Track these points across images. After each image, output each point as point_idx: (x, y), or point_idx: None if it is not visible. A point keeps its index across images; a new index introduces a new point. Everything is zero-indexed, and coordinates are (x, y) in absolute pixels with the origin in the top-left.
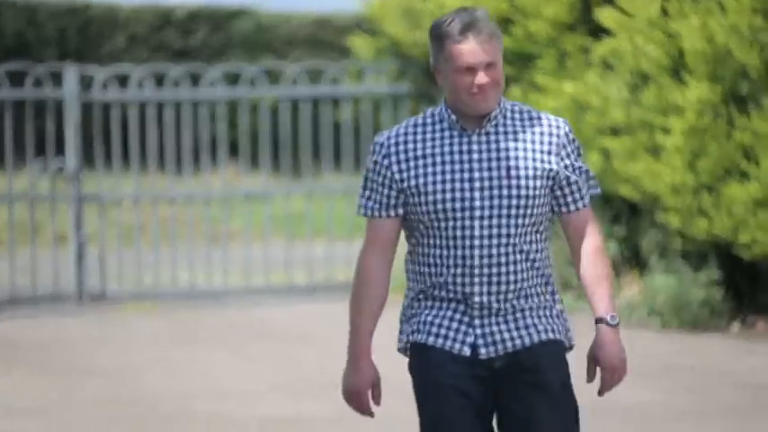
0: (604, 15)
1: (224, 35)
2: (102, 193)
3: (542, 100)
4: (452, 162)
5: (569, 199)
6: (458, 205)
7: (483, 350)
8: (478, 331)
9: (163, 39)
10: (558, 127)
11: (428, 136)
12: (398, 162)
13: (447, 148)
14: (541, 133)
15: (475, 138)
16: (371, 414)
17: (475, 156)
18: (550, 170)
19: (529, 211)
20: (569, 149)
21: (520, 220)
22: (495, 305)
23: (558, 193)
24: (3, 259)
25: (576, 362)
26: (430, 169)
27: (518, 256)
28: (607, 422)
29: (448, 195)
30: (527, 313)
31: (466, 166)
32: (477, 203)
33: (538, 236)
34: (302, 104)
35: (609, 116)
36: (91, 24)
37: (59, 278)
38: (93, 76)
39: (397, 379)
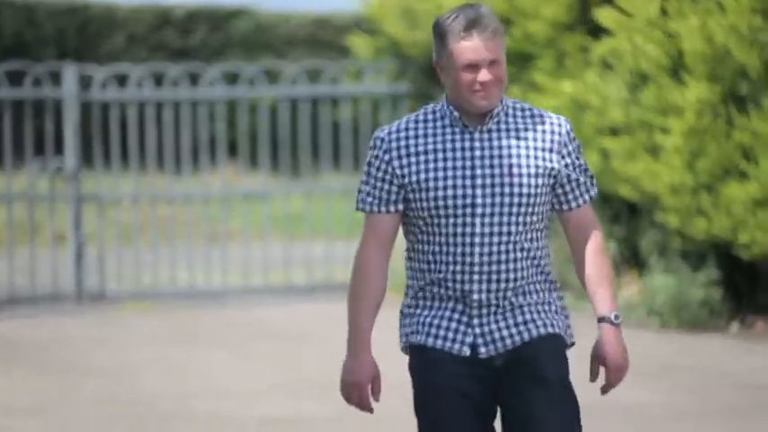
0: (603, 15)
1: (223, 35)
2: (101, 193)
3: (541, 100)
4: (454, 159)
5: (570, 196)
6: (459, 202)
7: (483, 349)
8: (477, 330)
9: (162, 38)
10: (559, 125)
11: (429, 132)
12: (400, 157)
13: (449, 145)
14: (543, 131)
15: (477, 135)
16: (371, 409)
17: (477, 153)
18: (552, 168)
19: (530, 209)
20: (570, 148)
21: (521, 218)
22: (493, 302)
23: (560, 191)
24: (2, 259)
25: (577, 360)
26: (432, 165)
27: (518, 254)
28: (606, 422)
29: (449, 192)
30: (526, 309)
31: (468, 163)
32: (479, 201)
33: (538, 234)
34: (301, 104)
35: (608, 116)
36: (90, 24)
37: (58, 278)
38: (92, 75)
39: (398, 379)
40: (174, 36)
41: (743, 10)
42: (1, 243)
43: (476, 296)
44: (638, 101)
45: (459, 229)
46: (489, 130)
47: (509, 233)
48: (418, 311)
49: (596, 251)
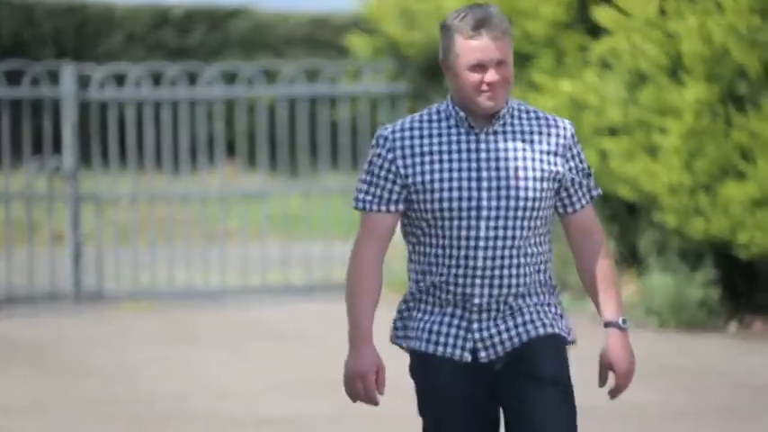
0: (602, 15)
1: (221, 34)
2: (100, 193)
3: (540, 99)
4: (460, 160)
5: (574, 199)
6: (464, 204)
7: (483, 354)
8: (477, 335)
9: (160, 38)
10: (564, 128)
11: (434, 132)
12: (404, 157)
13: (455, 146)
14: (548, 134)
15: (483, 137)
16: (377, 402)
17: (483, 155)
18: (557, 172)
19: (535, 213)
20: (575, 151)
21: (525, 222)
22: (493, 307)
23: (564, 194)
24: (0, 258)
25: (576, 362)
26: (437, 166)
27: (521, 260)
28: (605, 422)
29: (455, 194)
30: (525, 310)
31: (474, 165)
32: (485, 203)
33: (541, 238)
34: (300, 104)
35: (606, 116)
36: (88, 23)
37: (56, 277)
38: (90, 75)
39: (398, 379)
40: (173, 35)
41: (742, 10)
42: None
43: (477, 300)
44: (637, 101)
45: (464, 233)
46: (495, 132)
47: (513, 237)
48: (419, 315)
49: (600, 255)
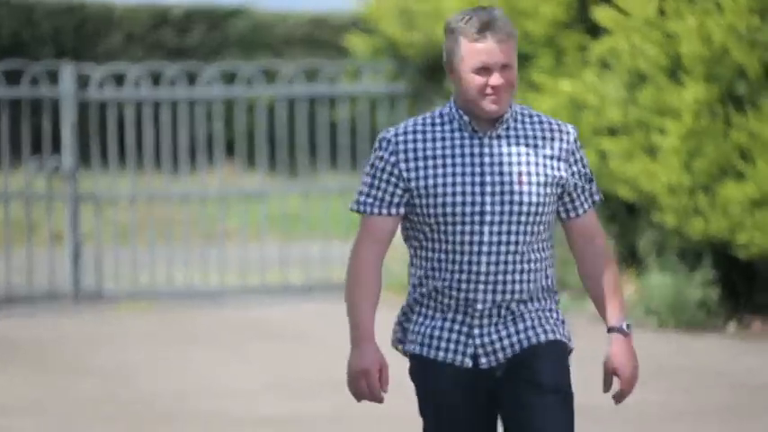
0: (601, 14)
1: (220, 34)
2: (99, 192)
3: (540, 99)
4: (463, 165)
5: (577, 204)
6: (468, 209)
7: (484, 359)
8: (478, 341)
9: (159, 38)
10: (567, 133)
11: (438, 136)
12: (407, 160)
13: (458, 150)
14: (552, 139)
15: (486, 141)
16: (381, 399)
17: (486, 159)
18: (560, 177)
19: (538, 219)
20: (578, 156)
21: (529, 228)
22: (495, 312)
23: (567, 199)
24: None
25: (575, 362)
26: (440, 171)
27: (525, 265)
28: (604, 423)
29: (458, 199)
30: (527, 316)
31: (477, 169)
32: (488, 208)
33: (543, 244)
34: (299, 104)
35: (606, 116)
36: (87, 23)
37: (56, 277)
38: (89, 74)
39: (398, 379)
40: (172, 35)
41: (741, 10)
42: None
43: (480, 306)
44: (636, 101)
45: (467, 237)
46: (498, 136)
47: (517, 242)
48: (420, 320)
49: (603, 260)
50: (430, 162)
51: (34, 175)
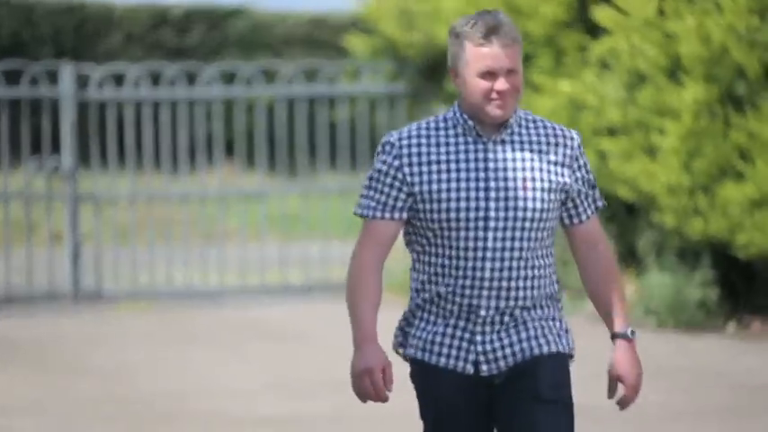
0: (601, 14)
1: (220, 34)
2: (98, 192)
3: (539, 100)
4: (467, 170)
5: (580, 210)
6: (472, 215)
7: (485, 367)
8: (480, 348)
9: (159, 38)
10: (571, 139)
11: (442, 141)
12: (410, 165)
13: (462, 155)
14: (556, 144)
15: (491, 146)
16: (386, 398)
17: (491, 165)
18: (564, 183)
19: (542, 224)
20: (581, 162)
21: (533, 234)
22: (497, 318)
23: (570, 205)
24: None
25: (574, 362)
26: (444, 176)
27: (529, 272)
28: (604, 423)
29: (462, 204)
30: (530, 324)
31: (482, 174)
32: (492, 214)
33: (547, 250)
34: (298, 104)
35: (605, 116)
36: (87, 23)
37: (55, 277)
38: (89, 74)
39: (397, 378)
40: (171, 35)
41: (740, 10)
42: None
43: (483, 312)
44: (636, 101)
45: (471, 243)
46: (503, 142)
47: (521, 248)
48: (421, 325)
49: (606, 266)
50: (434, 167)
51: (34, 175)
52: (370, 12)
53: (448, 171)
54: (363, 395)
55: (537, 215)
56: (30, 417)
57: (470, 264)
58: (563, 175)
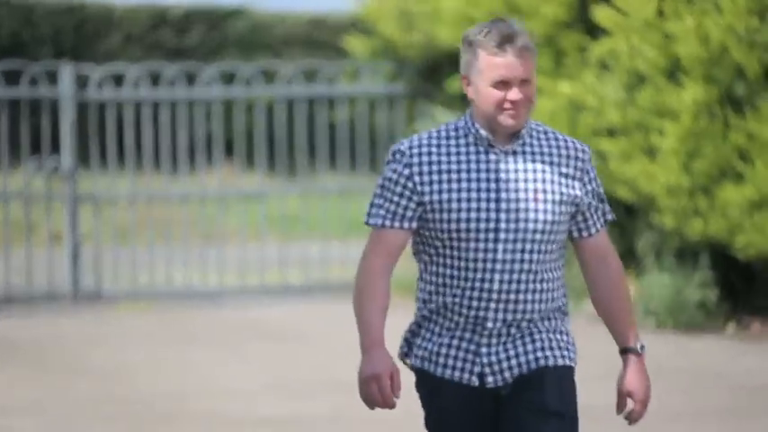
0: (601, 15)
1: (220, 35)
2: (98, 193)
3: (539, 102)
4: (478, 180)
5: (590, 223)
6: (482, 226)
7: (490, 378)
8: (485, 360)
9: (158, 38)
10: (583, 151)
11: (452, 150)
12: (421, 174)
13: (473, 165)
14: (567, 157)
15: (502, 156)
16: (393, 404)
17: (502, 175)
18: (575, 196)
19: (552, 237)
20: (591, 175)
21: (543, 246)
22: (504, 330)
23: (580, 218)
24: None
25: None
26: (455, 186)
27: (537, 285)
28: (604, 423)
29: (473, 215)
30: (537, 336)
31: (492, 185)
32: (503, 225)
33: (555, 263)
34: (298, 104)
35: (605, 117)
36: (86, 23)
37: (54, 277)
38: (88, 75)
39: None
40: (171, 36)
41: (740, 11)
42: None
43: (490, 324)
44: (635, 102)
45: (481, 255)
46: (514, 152)
47: (531, 261)
48: (427, 335)
49: (616, 281)
50: (444, 176)
51: (33, 175)
52: (369, 12)
53: (458, 181)
54: (370, 401)
55: (548, 227)
56: (30, 417)
57: (479, 275)
58: (574, 187)
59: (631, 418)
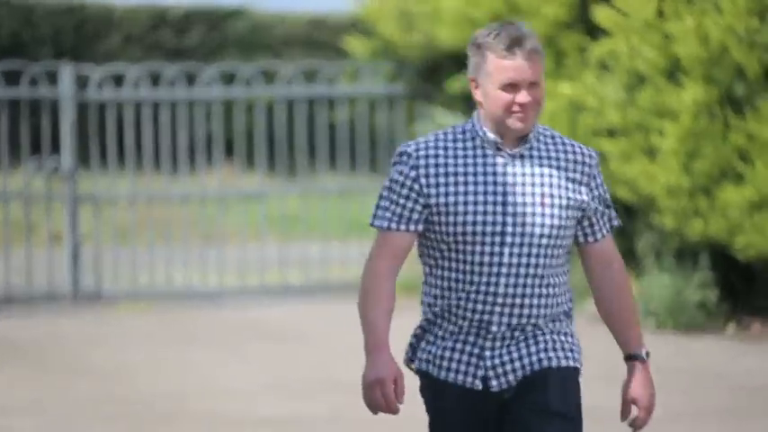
0: (601, 15)
1: (219, 35)
2: (98, 193)
3: None
4: (485, 183)
5: (596, 228)
6: (489, 229)
7: (494, 382)
8: (489, 363)
9: (158, 38)
10: (590, 156)
11: (459, 153)
12: (427, 176)
13: (480, 169)
14: (575, 161)
15: (509, 160)
16: (397, 409)
17: (509, 179)
18: (582, 201)
19: (558, 242)
20: (599, 180)
21: (549, 251)
22: (508, 334)
23: (586, 223)
24: None
25: None
26: (461, 188)
27: (543, 290)
28: (604, 422)
29: (479, 218)
30: (540, 338)
31: (499, 189)
32: (509, 229)
33: (561, 268)
34: (298, 104)
35: (605, 117)
36: (86, 24)
37: (54, 277)
38: (88, 75)
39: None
40: (171, 36)
41: (740, 11)
42: None
43: (494, 328)
44: (635, 102)
45: (486, 258)
46: (521, 156)
47: (536, 265)
48: (431, 339)
49: (621, 287)
50: (451, 179)
51: (33, 175)
52: (369, 12)
53: (465, 184)
54: (374, 406)
55: (554, 232)
56: (30, 417)
57: (484, 279)
58: (581, 192)
59: (635, 425)
